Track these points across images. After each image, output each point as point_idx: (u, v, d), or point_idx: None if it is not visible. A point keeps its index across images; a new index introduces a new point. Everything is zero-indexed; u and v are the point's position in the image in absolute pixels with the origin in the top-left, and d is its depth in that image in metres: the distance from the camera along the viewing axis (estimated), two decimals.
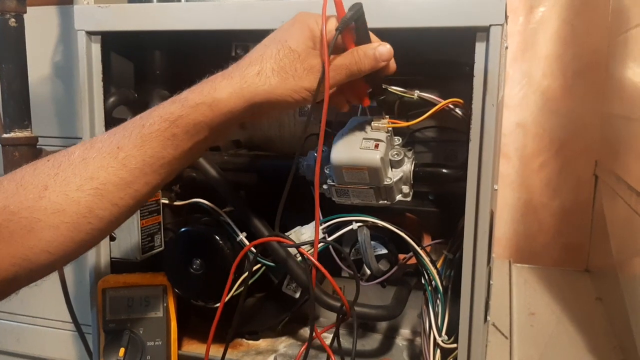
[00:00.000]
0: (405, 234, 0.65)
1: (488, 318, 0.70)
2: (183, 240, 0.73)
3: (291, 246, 0.65)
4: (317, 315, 0.85)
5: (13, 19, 0.79)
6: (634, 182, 0.87)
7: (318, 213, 0.58)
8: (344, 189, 0.64)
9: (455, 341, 0.63)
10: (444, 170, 0.67)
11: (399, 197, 0.65)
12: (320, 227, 0.66)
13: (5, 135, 0.81)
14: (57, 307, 1.08)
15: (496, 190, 0.71)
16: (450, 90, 0.66)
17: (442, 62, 0.71)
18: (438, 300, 0.66)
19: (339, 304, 0.65)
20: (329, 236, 0.67)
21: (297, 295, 0.74)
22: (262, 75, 0.50)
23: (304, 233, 0.69)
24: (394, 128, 0.64)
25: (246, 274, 0.68)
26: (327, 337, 0.67)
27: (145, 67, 0.77)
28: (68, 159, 0.47)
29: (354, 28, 0.53)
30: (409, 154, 0.66)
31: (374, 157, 0.60)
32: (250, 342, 0.81)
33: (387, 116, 0.65)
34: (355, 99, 0.61)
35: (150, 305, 0.73)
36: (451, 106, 0.64)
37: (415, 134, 0.75)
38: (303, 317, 0.84)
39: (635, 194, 0.85)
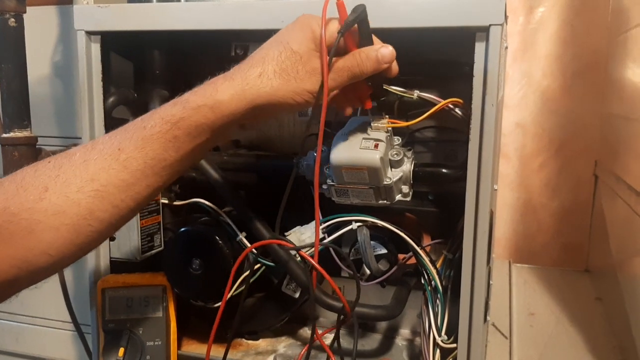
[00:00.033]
0: (405, 234, 0.65)
1: (488, 318, 0.70)
2: (183, 240, 0.72)
3: (292, 249, 0.65)
4: (317, 314, 0.85)
5: (12, 19, 0.79)
6: (633, 182, 0.87)
7: (318, 215, 0.58)
8: (343, 189, 0.64)
9: (455, 341, 0.63)
10: (444, 170, 0.67)
11: (398, 197, 0.65)
12: (320, 227, 0.66)
13: (4, 135, 0.81)
14: (57, 307, 1.09)
15: (496, 190, 0.71)
16: (450, 90, 0.66)
17: (441, 62, 0.71)
18: (438, 300, 0.66)
19: (339, 305, 0.65)
20: (328, 236, 0.67)
21: (297, 295, 0.74)
22: (264, 77, 0.50)
23: (304, 233, 0.69)
24: (393, 128, 0.64)
25: (247, 272, 0.68)
26: (327, 338, 0.67)
27: (144, 67, 0.77)
28: (69, 160, 0.47)
29: (356, 30, 0.53)
30: (409, 153, 0.66)
31: (373, 157, 0.60)
32: (250, 342, 0.81)
33: (386, 116, 0.65)
34: (358, 102, 0.61)
35: (150, 305, 0.73)
36: (451, 106, 0.64)
37: (415, 133, 0.75)
38: (302, 317, 0.84)
39: (634, 194, 0.85)
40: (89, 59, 0.71)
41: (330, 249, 0.68)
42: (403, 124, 0.64)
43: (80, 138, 0.73)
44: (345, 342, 0.77)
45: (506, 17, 0.60)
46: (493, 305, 0.76)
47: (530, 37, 1.28)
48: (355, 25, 0.52)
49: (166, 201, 0.78)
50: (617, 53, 1.07)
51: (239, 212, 0.71)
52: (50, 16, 1.06)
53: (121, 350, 0.70)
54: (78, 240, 0.46)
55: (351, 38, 0.54)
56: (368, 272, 0.69)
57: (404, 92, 0.66)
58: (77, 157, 0.47)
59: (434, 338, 0.65)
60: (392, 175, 0.63)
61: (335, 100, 0.58)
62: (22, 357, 1.23)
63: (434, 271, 0.66)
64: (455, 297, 0.64)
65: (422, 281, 0.67)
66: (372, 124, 0.64)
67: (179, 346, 0.77)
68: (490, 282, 0.72)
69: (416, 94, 0.66)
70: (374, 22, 0.54)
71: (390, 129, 0.64)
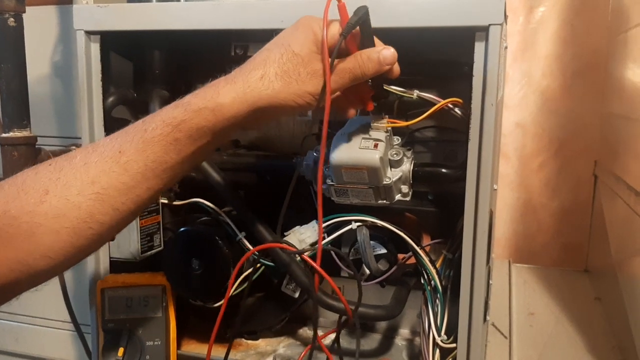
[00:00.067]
0: (405, 234, 0.65)
1: (487, 318, 0.70)
2: (182, 240, 0.72)
3: (294, 252, 0.65)
4: (317, 314, 0.84)
5: (12, 19, 0.79)
6: (633, 182, 0.87)
7: (321, 218, 0.58)
8: (343, 189, 0.64)
9: (455, 341, 0.63)
10: (443, 170, 0.66)
11: (398, 197, 0.65)
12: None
13: (4, 135, 0.81)
14: (56, 307, 1.08)
15: (495, 190, 0.71)
16: (450, 90, 0.66)
17: (441, 61, 0.71)
18: (437, 300, 0.66)
19: (340, 305, 0.65)
20: (328, 236, 0.67)
21: (297, 295, 0.73)
22: (266, 79, 0.50)
23: (303, 233, 0.69)
24: (393, 128, 0.64)
25: (250, 270, 0.68)
26: (327, 338, 0.67)
27: (144, 66, 0.77)
28: (70, 163, 0.47)
29: (358, 32, 0.53)
30: (408, 153, 0.66)
31: (373, 156, 0.60)
32: (250, 342, 0.81)
33: (386, 116, 0.64)
34: (359, 103, 0.61)
35: (150, 305, 0.73)
36: (450, 106, 0.64)
37: (414, 133, 0.75)
38: (302, 317, 0.84)
39: (634, 194, 0.85)
40: (89, 59, 0.71)
41: (332, 252, 0.68)
42: (403, 123, 0.64)
43: (79, 138, 0.73)
44: (345, 343, 0.77)
45: (506, 17, 0.60)
46: (493, 305, 0.76)
47: (530, 37, 1.28)
48: (357, 27, 0.52)
49: (166, 201, 0.78)
50: (617, 53, 1.07)
51: (239, 212, 0.71)
52: (50, 16, 1.06)
53: (121, 350, 0.70)
54: (78, 243, 0.46)
55: (353, 40, 0.53)
56: (368, 272, 0.69)
57: (403, 92, 0.66)
58: (78, 159, 0.47)
59: (434, 338, 0.65)
60: (392, 175, 0.63)
61: (336, 102, 0.58)
62: (21, 357, 1.23)
63: (433, 271, 0.66)
64: (454, 297, 0.64)
65: (422, 281, 0.67)
66: (371, 124, 0.63)
67: (179, 346, 0.77)
68: (490, 282, 0.72)
69: (416, 93, 0.66)
70: (374, 22, 0.54)
71: (389, 128, 0.64)
